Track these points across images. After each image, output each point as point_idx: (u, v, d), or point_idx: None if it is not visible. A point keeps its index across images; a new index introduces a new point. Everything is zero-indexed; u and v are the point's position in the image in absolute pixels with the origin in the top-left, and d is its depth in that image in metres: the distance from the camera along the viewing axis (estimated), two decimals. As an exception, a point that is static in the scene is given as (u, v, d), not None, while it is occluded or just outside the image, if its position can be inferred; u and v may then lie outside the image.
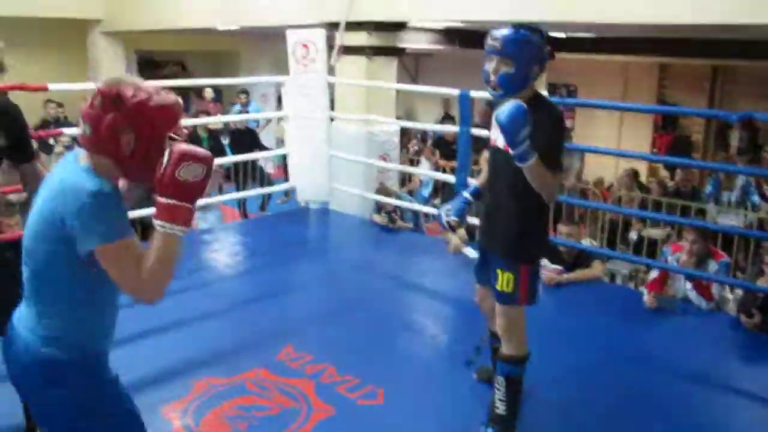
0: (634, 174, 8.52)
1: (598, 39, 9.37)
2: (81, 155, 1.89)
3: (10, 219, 5.48)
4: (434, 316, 4.51)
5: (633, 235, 7.20)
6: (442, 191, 8.64)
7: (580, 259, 5.03)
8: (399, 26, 6.81)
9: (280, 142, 10.07)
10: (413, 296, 4.85)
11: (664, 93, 12.07)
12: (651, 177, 10.36)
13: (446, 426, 3.18)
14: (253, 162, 8.65)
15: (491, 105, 3.10)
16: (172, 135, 1.89)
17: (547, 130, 2.69)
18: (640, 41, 9.03)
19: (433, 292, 4.90)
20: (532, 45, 2.72)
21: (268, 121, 11.19)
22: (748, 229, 6.37)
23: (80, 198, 1.76)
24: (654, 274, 4.69)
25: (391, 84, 6.87)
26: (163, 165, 1.83)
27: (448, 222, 3.12)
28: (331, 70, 6.47)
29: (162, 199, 1.84)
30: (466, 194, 3.19)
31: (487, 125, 3.72)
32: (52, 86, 4.92)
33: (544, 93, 3.95)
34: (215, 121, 9.32)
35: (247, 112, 10.43)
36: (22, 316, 1.92)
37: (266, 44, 12.67)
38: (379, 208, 6.29)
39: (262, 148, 9.60)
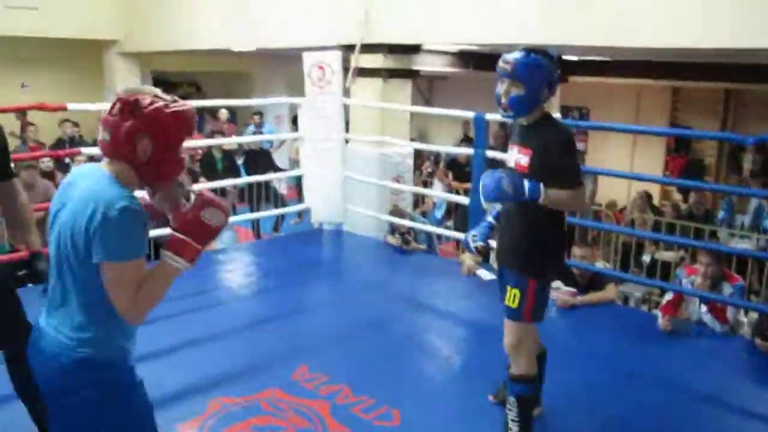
0: (648, 197, 8.51)
1: (611, 62, 9.41)
2: (103, 163, 1.96)
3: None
4: (448, 337, 4.51)
5: (646, 258, 7.19)
6: (455, 213, 8.65)
7: (594, 281, 5.02)
8: (414, 49, 6.88)
9: (294, 163, 10.14)
10: (427, 317, 4.85)
11: (676, 116, 12.09)
12: (664, 200, 10.35)
13: (461, 448, 3.18)
14: (267, 183, 8.70)
15: (505, 127, 3.17)
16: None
17: (556, 151, 2.79)
18: (653, 65, 9.06)
19: (447, 313, 4.90)
20: (542, 68, 2.80)
21: (282, 142, 11.26)
22: (761, 252, 6.35)
23: (110, 210, 1.83)
24: (668, 297, 4.68)
25: (406, 106, 6.92)
26: (189, 205, 1.96)
27: (476, 247, 3.16)
28: (346, 92, 6.53)
29: (178, 234, 1.94)
30: (489, 218, 3.23)
31: (501, 147, 3.78)
32: (71, 106, 4.98)
33: (557, 115, 3.99)
34: (230, 142, 9.39)
35: (261, 133, 10.50)
36: (54, 320, 1.96)
37: (280, 65, 12.78)
38: (393, 229, 6.31)
39: (276, 168, 9.66)
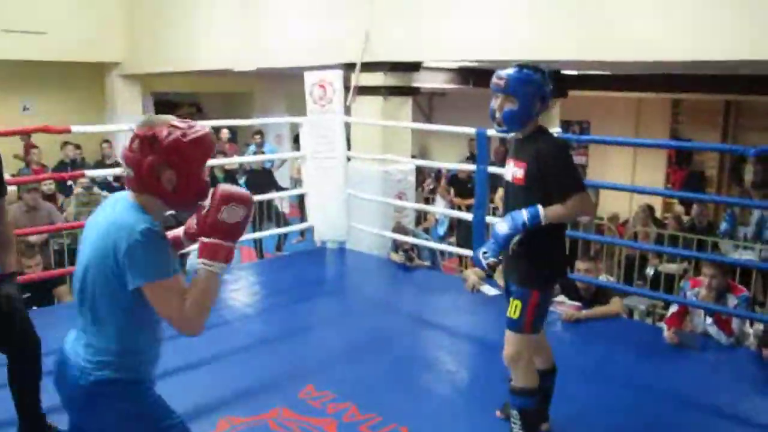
0: (650, 209, 8.53)
1: (611, 76, 9.45)
2: (129, 194, 2.00)
3: (30, 260, 5.57)
4: (454, 353, 4.50)
5: (650, 271, 7.20)
6: (458, 229, 8.66)
7: (598, 295, 5.02)
8: (414, 66, 6.92)
9: (296, 182, 10.16)
10: (433, 334, 4.85)
11: (677, 128, 12.13)
12: (666, 212, 10.35)
13: (470, 464, 3.18)
14: (269, 202, 8.72)
15: (505, 143, 3.21)
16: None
17: (550, 159, 2.86)
18: (653, 78, 9.11)
19: (452, 329, 4.90)
20: (534, 83, 2.88)
21: (283, 161, 11.30)
22: (765, 263, 6.35)
23: (131, 236, 1.86)
24: (673, 309, 4.67)
25: (408, 123, 6.96)
26: (206, 208, 1.96)
27: (488, 264, 3.16)
28: (347, 110, 6.56)
29: (205, 239, 1.97)
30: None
31: (501, 163, 3.80)
32: (75, 128, 5.00)
33: (558, 129, 4.01)
34: (232, 162, 9.42)
35: (263, 152, 10.55)
36: (78, 345, 2.00)
37: (280, 85, 12.86)
38: (397, 246, 6.32)
39: (278, 188, 9.68)
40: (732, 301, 4.46)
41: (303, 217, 7.07)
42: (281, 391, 3.74)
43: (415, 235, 6.48)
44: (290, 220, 9.46)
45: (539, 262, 2.98)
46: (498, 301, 3.40)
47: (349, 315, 5.16)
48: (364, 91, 6.74)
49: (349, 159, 6.59)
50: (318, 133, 6.38)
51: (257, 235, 7.86)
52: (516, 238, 2.91)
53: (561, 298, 4.98)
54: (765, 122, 10.97)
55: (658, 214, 9.59)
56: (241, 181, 9.95)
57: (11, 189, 6.53)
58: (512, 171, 3.00)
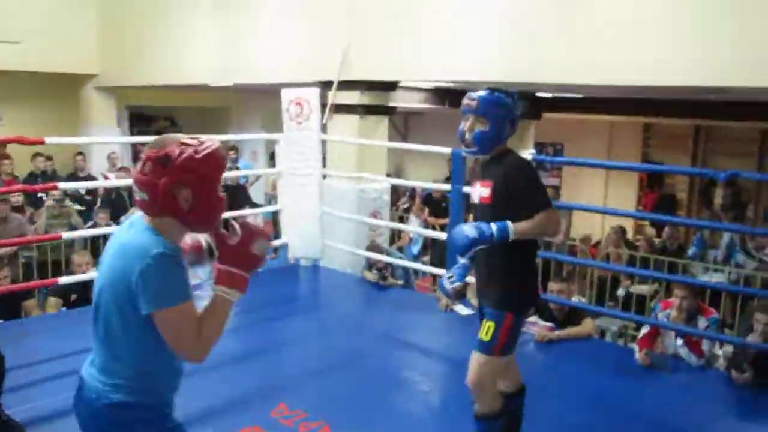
0: (622, 231, 8.61)
1: (585, 99, 9.58)
2: (144, 216, 1.96)
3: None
4: (427, 372, 4.50)
5: (621, 292, 7.25)
6: (432, 248, 8.67)
7: (571, 316, 5.05)
8: (391, 86, 6.95)
9: (270, 198, 10.12)
10: (405, 353, 4.84)
11: (648, 152, 12.31)
12: (637, 234, 10.46)
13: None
14: (244, 218, 8.66)
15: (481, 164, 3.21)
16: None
17: (517, 176, 2.90)
18: (625, 101, 9.24)
19: (425, 348, 4.89)
20: (505, 106, 2.93)
21: (258, 177, 11.26)
22: (735, 286, 6.43)
23: (145, 259, 1.84)
24: (645, 330, 4.71)
25: (384, 142, 6.98)
26: (236, 239, 1.96)
27: (453, 288, 3.14)
28: (323, 128, 6.56)
29: (226, 267, 1.96)
30: (464, 261, 3.17)
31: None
32: (48, 140, 4.95)
33: (531, 150, 4.04)
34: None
35: (237, 167, 10.50)
36: (93, 368, 1.98)
37: (256, 101, 12.83)
38: (370, 265, 6.31)
39: (253, 204, 9.63)
40: (702, 323, 4.51)
41: (277, 234, 7.03)
42: (253, 409, 3.70)
43: (389, 254, 6.49)
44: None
45: (514, 285, 2.98)
46: (471, 321, 3.40)
47: (322, 333, 5.14)
48: (340, 109, 6.76)
49: (324, 176, 6.59)
50: (294, 150, 6.38)
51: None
52: (476, 249, 2.88)
53: (534, 318, 5.01)
54: (733, 147, 11.18)
55: (629, 235, 9.68)
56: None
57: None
58: (479, 192, 3.02)
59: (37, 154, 9.80)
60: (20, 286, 5.38)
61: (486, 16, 5.76)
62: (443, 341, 5.00)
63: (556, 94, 9.12)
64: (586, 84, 5.75)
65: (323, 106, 6.53)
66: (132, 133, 12.79)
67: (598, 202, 11.54)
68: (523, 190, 2.86)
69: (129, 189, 8.99)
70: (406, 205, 10.91)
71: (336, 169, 6.72)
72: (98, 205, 8.49)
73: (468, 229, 2.83)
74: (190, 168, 1.90)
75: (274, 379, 4.15)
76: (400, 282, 6.39)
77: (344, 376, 4.23)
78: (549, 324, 4.98)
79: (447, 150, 5.47)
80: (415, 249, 9.37)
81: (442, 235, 5.77)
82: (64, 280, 5.22)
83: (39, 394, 3.69)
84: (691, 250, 7.21)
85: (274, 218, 9.04)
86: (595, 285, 7.25)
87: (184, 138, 1.96)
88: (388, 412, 3.78)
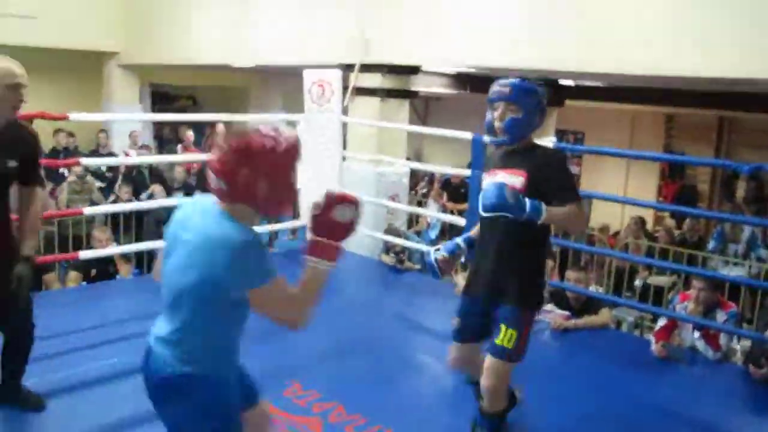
0: (642, 222, 8.55)
1: (607, 87, 9.49)
2: (216, 201, 1.99)
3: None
4: (441, 356, 4.46)
5: (639, 283, 7.22)
6: (449, 233, 8.66)
7: (587, 305, 5.03)
8: (412, 70, 6.92)
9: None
10: (421, 337, 4.85)
11: (670, 142, 12.19)
12: (657, 225, 10.39)
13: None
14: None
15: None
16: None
17: (555, 169, 2.85)
18: (648, 91, 9.14)
19: (440, 332, 4.87)
20: (537, 95, 2.86)
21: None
22: (754, 280, 6.38)
23: (230, 251, 1.88)
24: (662, 322, 4.69)
25: (404, 125, 6.96)
26: (320, 207, 2.00)
27: (436, 258, 3.09)
28: (344, 110, 6.56)
29: (316, 238, 2.01)
30: (459, 240, 3.15)
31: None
32: (73, 116, 4.98)
33: (552, 138, 4.00)
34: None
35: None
36: (163, 338, 2.03)
37: (276, 82, 12.83)
38: (388, 248, 6.31)
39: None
40: (721, 316, 4.48)
41: (295, 214, 7.03)
42: (267, 388, 3.67)
43: (406, 238, 6.48)
44: (281, 217, 9.40)
45: (534, 280, 2.95)
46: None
47: (337, 315, 5.14)
48: (361, 92, 6.74)
49: (344, 158, 6.59)
50: (315, 132, 6.38)
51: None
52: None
53: (550, 306, 5.00)
54: (758, 139, 11.03)
55: (649, 226, 9.62)
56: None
57: None
58: (509, 180, 2.81)
59: (59, 130, 9.88)
60: (42, 259, 5.44)
61: (508, 1, 5.71)
62: (459, 326, 5.00)
63: (579, 82, 9.04)
64: (609, 73, 5.69)
65: (345, 88, 6.51)
66: (153, 111, 12.83)
67: (618, 192, 11.45)
68: (559, 181, 2.81)
69: (149, 166, 9.08)
70: (425, 190, 10.90)
71: (356, 152, 6.72)
72: (120, 181, 8.56)
73: (508, 192, 2.65)
74: (272, 160, 1.93)
75: (288, 359, 4.16)
76: (418, 266, 6.39)
77: (359, 358, 4.25)
78: (565, 312, 4.97)
79: (468, 135, 5.44)
80: (433, 234, 9.35)
81: (461, 221, 5.75)
82: (84, 254, 5.26)
83: (58, 366, 3.74)
84: (710, 245, 7.16)
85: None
86: (612, 275, 7.22)
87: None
88: (402, 395, 3.80)
